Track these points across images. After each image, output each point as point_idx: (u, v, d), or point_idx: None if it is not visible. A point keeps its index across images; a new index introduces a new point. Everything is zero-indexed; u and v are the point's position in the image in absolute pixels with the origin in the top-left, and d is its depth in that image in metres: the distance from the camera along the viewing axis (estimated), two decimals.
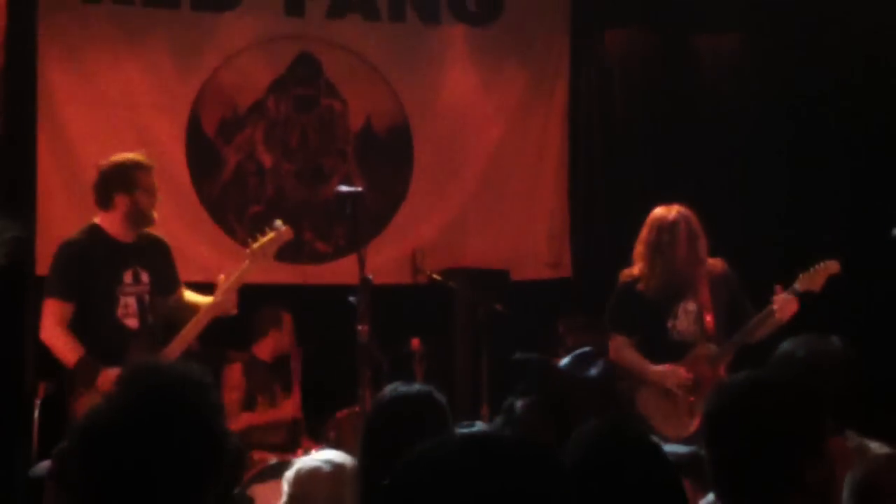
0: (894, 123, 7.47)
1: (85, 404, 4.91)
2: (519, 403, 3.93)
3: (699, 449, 2.77)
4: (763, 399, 2.49)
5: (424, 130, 7.78)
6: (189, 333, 5.31)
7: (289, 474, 3.58)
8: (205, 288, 5.57)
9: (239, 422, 6.45)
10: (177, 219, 6.73)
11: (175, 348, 5.27)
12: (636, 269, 5.70)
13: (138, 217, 5.29)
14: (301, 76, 7.56)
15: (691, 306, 5.67)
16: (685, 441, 5.02)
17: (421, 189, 7.76)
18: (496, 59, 7.92)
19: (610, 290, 5.84)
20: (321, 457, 3.63)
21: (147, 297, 5.33)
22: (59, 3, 7.01)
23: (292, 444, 6.40)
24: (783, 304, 5.48)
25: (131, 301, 5.30)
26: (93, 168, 5.42)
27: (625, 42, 8.15)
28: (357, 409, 5.73)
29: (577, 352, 3.62)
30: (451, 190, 7.81)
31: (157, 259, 5.42)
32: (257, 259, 5.38)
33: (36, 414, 5.99)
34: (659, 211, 5.68)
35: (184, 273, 5.64)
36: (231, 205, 7.40)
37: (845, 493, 2.70)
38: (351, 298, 5.16)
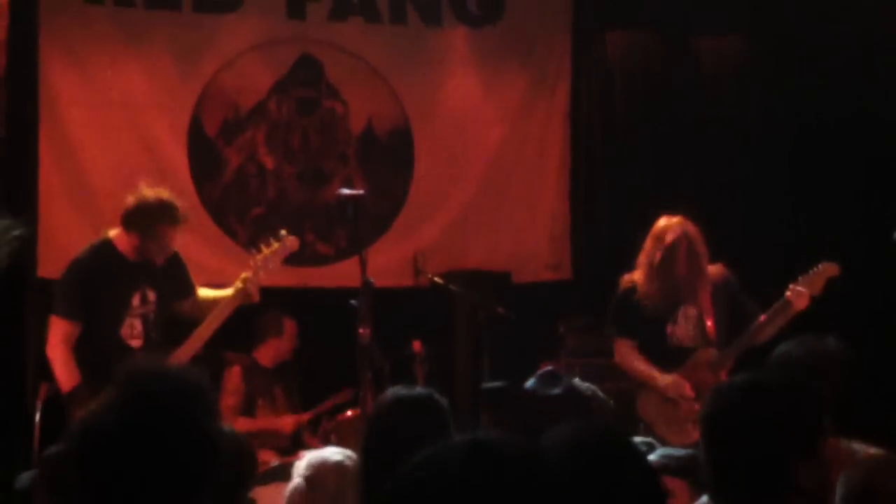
0: (895, 124, 7.47)
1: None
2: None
3: (696, 451, 2.77)
4: (758, 401, 2.50)
5: (425, 132, 7.75)
6: (211, 325, 5.39)
7: (301, 463, 3.57)
8: None
9: (235, 427, 6.43)
10: None
11: (196, 340, 5.36)
12: (636, 276, 5.69)
13: (142, 255, 5.34)
14: (302, 78, 7.55)
15: (692, 311, 5.65)
16: (687, 448, 4.99)
17: (422, 191, 7.74)
18: (497, 60, 7.89)
19: (611, 292, 5.83)
20: (333, 449, 3.63)
21: (152, 316, 5.38)
22: (61, 5, 7.01)
23: (294, 447, 6.40)
24: (797, 294, 5.45)
25: (137, 322, 5.35)
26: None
27: (626, 44, 8.13)
28: (358, 411, 5.74)
29: (541, 371, 3.61)
30: (453, 192, 7.79)
31: (167, 270, 5.45)
32: (260, 271, 5.44)
33: (37, 415, 5.99)
34: (661, 225, 5.63)
35: None
36: (232, 206, 7.40)
37: (838, 495, 2.70)
38: (352, 302, 5.17)
